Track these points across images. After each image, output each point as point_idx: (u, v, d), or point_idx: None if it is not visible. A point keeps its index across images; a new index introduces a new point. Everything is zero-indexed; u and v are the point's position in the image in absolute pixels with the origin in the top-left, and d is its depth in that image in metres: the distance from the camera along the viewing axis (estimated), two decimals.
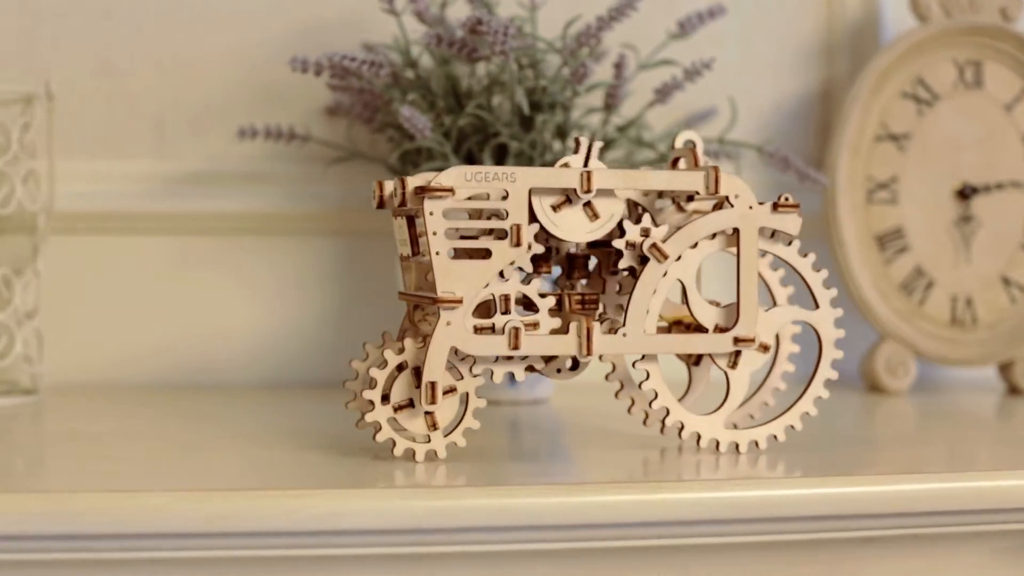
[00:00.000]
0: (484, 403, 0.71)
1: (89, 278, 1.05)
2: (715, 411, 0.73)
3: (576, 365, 0.74)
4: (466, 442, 0.71)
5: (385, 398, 0.70)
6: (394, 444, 0.70)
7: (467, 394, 0.71)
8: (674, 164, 0.73)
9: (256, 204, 1.07)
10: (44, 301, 0.99)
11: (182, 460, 0.73)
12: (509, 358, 0.71)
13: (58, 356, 1.01)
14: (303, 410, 0.93)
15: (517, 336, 0.69)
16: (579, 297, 0.72)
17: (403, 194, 0.69)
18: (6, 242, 1.00)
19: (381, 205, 0.70)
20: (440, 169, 0.92)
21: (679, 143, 0.72)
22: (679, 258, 0.71)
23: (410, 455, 0.70)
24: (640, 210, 0.72)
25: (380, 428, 0.70)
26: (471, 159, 0.95)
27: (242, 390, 1.04)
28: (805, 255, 0.73)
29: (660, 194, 0.72)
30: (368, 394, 0.69)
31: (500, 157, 0.94)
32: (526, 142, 0.93)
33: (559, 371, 0.74)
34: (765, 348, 0.73)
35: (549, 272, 0.73)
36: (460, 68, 0.95)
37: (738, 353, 0.72)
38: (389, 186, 0.70)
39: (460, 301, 0.69)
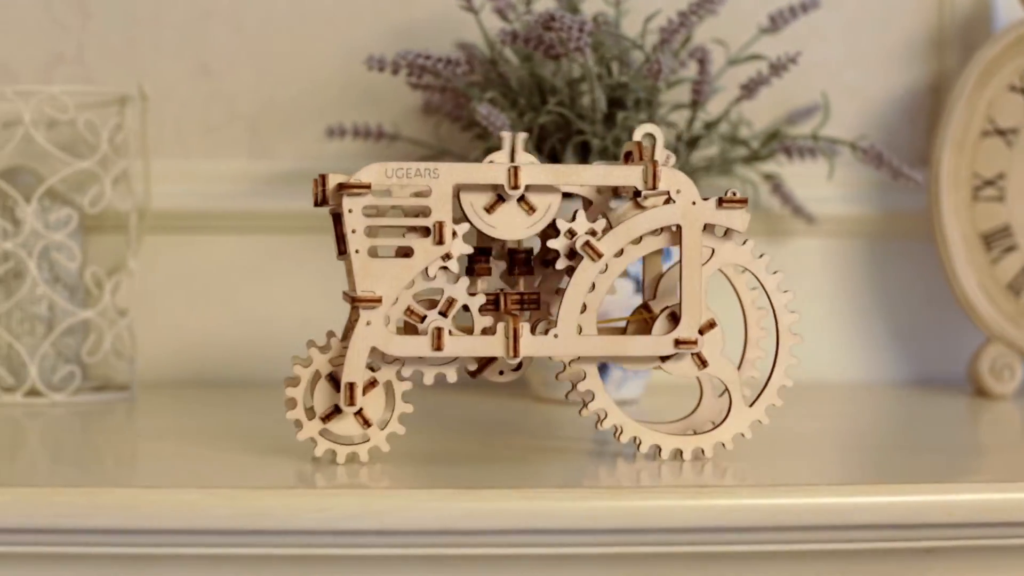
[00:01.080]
0: (409, 385, 0.69)
1: (184, 276, 1.06)
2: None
3: (520, 366, 0.71)
4: (405, 429, 0.70)
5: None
6: (334, 454, 0.69)
7: (389, 382, 0.69)
8: (627, 159, 0.70)
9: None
10: (140, 298, 1.01)
11: (262, 457, 0.73)
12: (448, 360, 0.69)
13: (152, 352, 1.02)
14: None
15: (439, 337, 0.67)
16: (517, 296, 0.70)
17: (323, 191, 0.67)
18: (100, 241, 1.02)
19: (320, 202, 0.68)
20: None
21: (638, 136, 0.69)
22: (621, 256, 0.68)
23: (354, 459, 0.69)
24: (594, 209, 0.70)
25: (316, 443, 0.69)
26: (554, 157, 0.94)
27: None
28: (760, 255, 0.70)
29: (616, 192, 0.69)
30: (291, 415, 0.68)
31: (584, 155, 0.93)
32: (609, 139, 0.91)
33: (502, 372, 0.71)
34: (703, 362, 0.70)
35: (488, 272, 0.70)
36: (546, 65, 0.94)
37: (668, 356, 0.70)
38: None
39: (379, 300, 0.67)
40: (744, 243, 0.70)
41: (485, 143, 0.95)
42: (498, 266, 0.71)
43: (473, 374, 0.70)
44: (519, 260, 0.71)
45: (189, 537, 0.63)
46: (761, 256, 0.70)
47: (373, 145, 1.03)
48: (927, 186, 1.03)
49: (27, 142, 0.94)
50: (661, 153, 0.69)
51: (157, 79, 1.06)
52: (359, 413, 0.68)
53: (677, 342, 0.69)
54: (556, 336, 0.68)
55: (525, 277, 0.71)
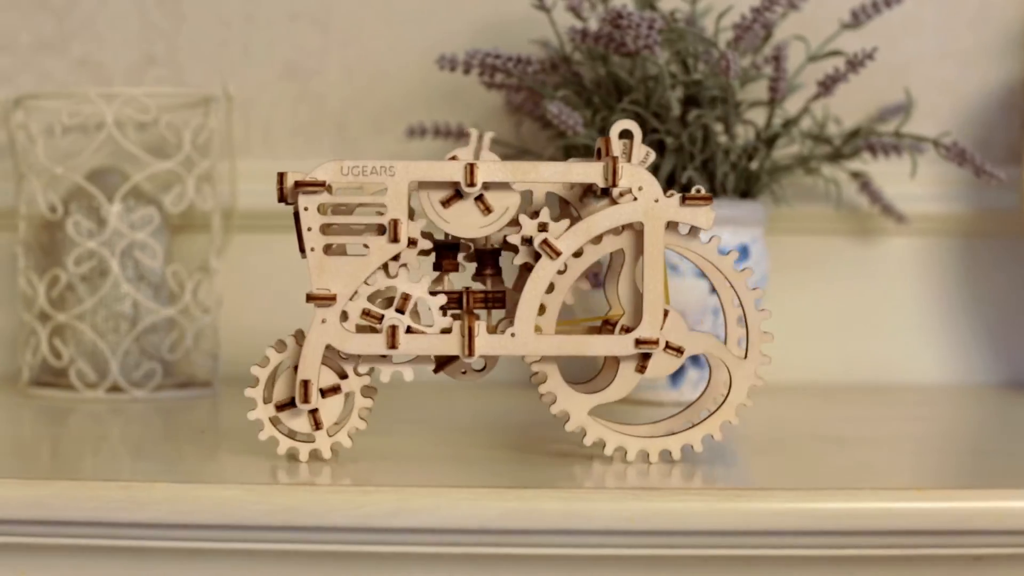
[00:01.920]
0: (371, 403, 0.69)
1: (270, 274, 1.07)
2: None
3: (485, 366, 0.70)
4: (352, 443, 0.69)
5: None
6: (277, 443, 0.69)
7: (352, 394, 0.68)
8: (598, 155, 0.68)
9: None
10: (226, 296, 1.02)
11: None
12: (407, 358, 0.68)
13: (236, 350, 1.03)
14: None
15: (394, 335, 0.66)
16: (481, 295, 0.69)
17: (281, 189, 0.67)
18: (187, 240, 1.04)
19: (281, 199, 0.68)
20: None
21: (614, 132, 0.67)
22: (581, 254, 0.67)
23: (294, 454, 0.69)
24: (569, 208, 0.69)
25: (262, 427, 0.69)
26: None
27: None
28: (727, 253, 0.69)
29: (590, 190, 0.68)
30: (249, 392, 0.68)
31: (660, 153, 0.92)
32: (685, 137, 0.90)
33: (464, 372, 0.70)
34: (678, 351, 0.68)
35: (455, 268, 0.69)
36: (621, 63, 0.93)
37: (646, 356, 0.68)
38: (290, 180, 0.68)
39: (334, 298, 0.67)
40: (709, 240, 0.68)
41: (564, 141, 0.95)
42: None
43: (436, 371, 0.70)
44: (487, 258, 0.70)
45: (227, 532, 0.63)
46: (728, 253, 0.69)
47: (454, 144, 1.03)
48: (1020, 183, 1.00)
49: (117, 143, 0.95)
50: (640, 150, 0.67)
51: (246, 80, 1.08)
52: (314, 413, 0.68)
53: (638, 342, 0.67)
54: (513, 335, 0.67)
55: (493, 276, 0.70)
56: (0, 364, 1.07)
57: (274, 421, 0.69)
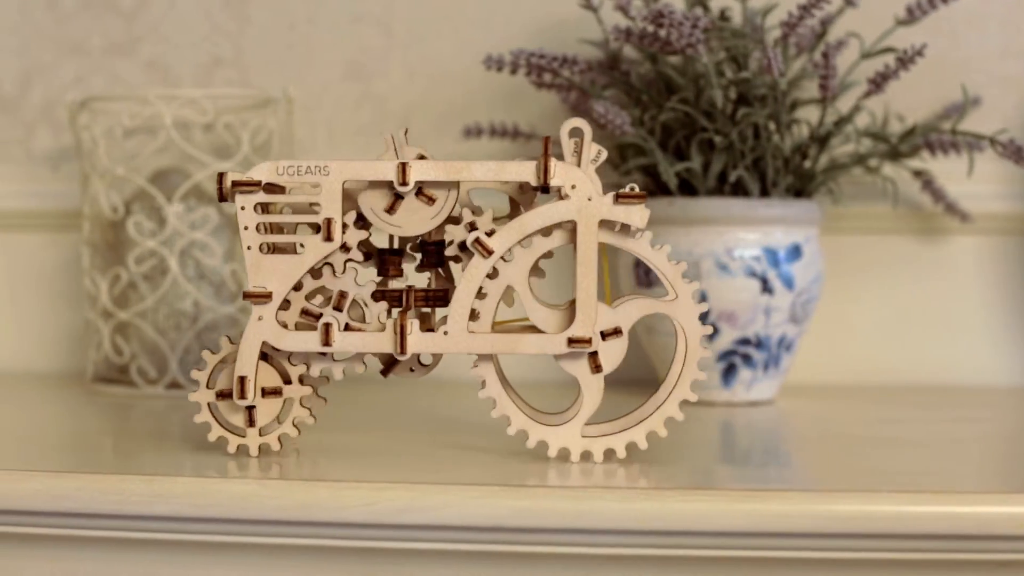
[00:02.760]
0: (308, 414, 0.70)
1: None
2: (572, 420, 0.69)
3: (424, 362, 0.71)
4: (280, 446, 0.70)
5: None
6: (210, 429, 0.70)
7: (291, 400, 0.70)
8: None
9: (495, 201, 1.07)
10: None
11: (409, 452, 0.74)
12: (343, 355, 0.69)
13: None
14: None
15: (328, 332, 0.67)
16: (423, 293, 0.69)
17: (220, 189, 0.68)
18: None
19: (221, 199, 0.68)
20: (647, 166, 0.91)
21: (564, 130, 0.67)
22: (525, 252, 0.67)
23: (223, 443, 0.70)
24: (519, 209, 0.69)
25: (200, 410, 0.70)
26: (679, 154, 0.93)
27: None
28: (660, 247, 0.68)
29: (543, 188, 0.67)
30: (195, 374, 0.70)
31: (709, 151, 0.92)
32: (734, 135, 0.90)
33: (412, 370, 0.70)
34: (616, 332, 0.68)
35: (400, 274, 0.70)
36: (670, 61, 0.93)
37: (595, 354, 0.68)
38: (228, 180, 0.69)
39: (269, 296, 0.68)
40: (639, 237, 0.68)
41: (615, 140, 0.95)
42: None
43: (384, 372, 0.70)
44: (430, 254, 0.70)
45: (244, 527, 0.64)
46: (660, 247, 0.68)
47: (517, 144, 1.04)
48: None
49: (183, 143, 0.97)
50: (591, 149, 0.67)
51: (310, 81, 1.09)
52: (250, 409, 0.69)
53: (570, 340, 0.67)
54: (446, 333, 0.67)
55: (436, 271, 0.71)
56: (67, 361, 1.09)
57: (212, 408, 0.70)
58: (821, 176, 0.93)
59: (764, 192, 0.92)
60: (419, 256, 0.70)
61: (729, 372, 0.92)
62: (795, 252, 0.91)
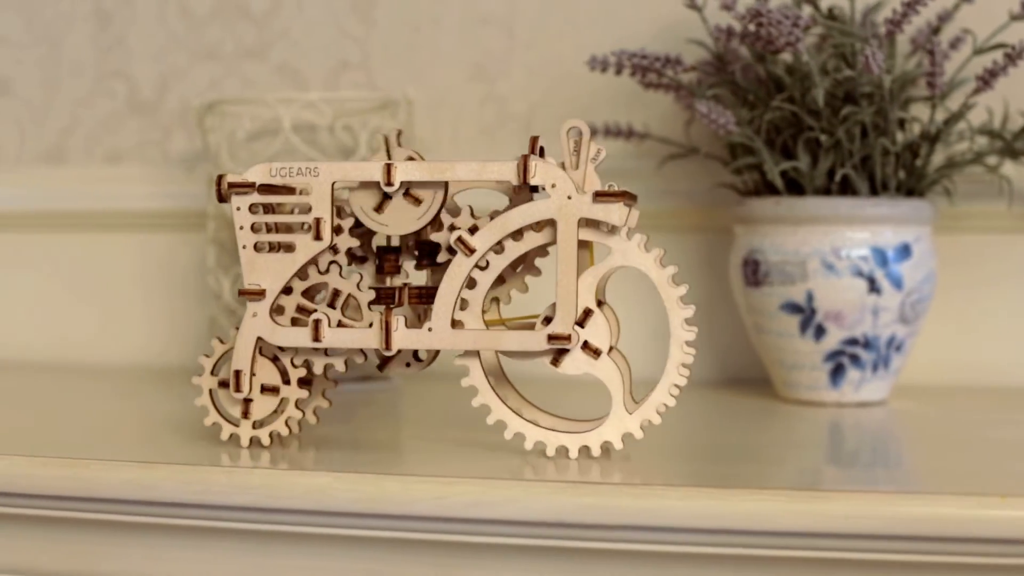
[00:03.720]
0: (301, 415, 0.72)
1: None
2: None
3: (420, 358, 0.72)
4: (270, 442, 0.72)
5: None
6: (207, 413, 0.73)
7: (285, 399, 0.72)
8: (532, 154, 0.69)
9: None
10: None
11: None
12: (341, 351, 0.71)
13: None
14: None
15: (318, 328, 0.69)
16: (417, 291, 0.70)
17: (219, 190, 0.70)
18: None
19: (220, 199, 0.71)
20: (754, 165, 0.91)
21: (563, 131, 0.67)
22: (502, 251, 0.68)
23: (217, 430, 0.73)
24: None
25: (200, 394, 0.72)
26: (787, 152, 0.92)
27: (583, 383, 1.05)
28: (649, 250, 0.68)
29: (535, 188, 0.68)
30: (202, 360, 0.72)
31: (818, 150, 0.91)
32: (841, 133, 0.89)
33: (408, 364, 0.72)
34: (595, 351, 0.68)
35: (396, 270, 0.71)
36: (778, 60, 0.92)
37: (561, 352, 0.68)
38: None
39: (262, 293, 0.70)
40: (630, 239, 0.68)
41: (725, 140, 0.95)
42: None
43: (380, 367, 0.72)
44: (424, 252, 0.71)
45: (320, 518, 0.66)
46: (650, 251, 0.68)
47: (631, 144, 1.04)
48: None
49: (302, 145, 0.99)
50: (589, 148, 0.67)
51: (434, 82, 1.11)
52: (247, 402, 0.71)
53: (550, 337, 0.68)
54: (430, 330, 0.68)
55: (431, 269, 0.72)
56: (194, 356, 1.13)
57: (213, 395, 0.73)
58: (934, 174, 0.92)
59: (874, 191, 0.91)
60: (416, 254, 0.72)
61: (837, 372, 0.91)
62: (904, 251, 0.90)
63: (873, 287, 0.89)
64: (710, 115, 0.88)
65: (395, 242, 0.72)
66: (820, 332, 0.90)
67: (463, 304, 0.69)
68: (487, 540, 0.65)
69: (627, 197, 0.67)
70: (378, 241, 0.73)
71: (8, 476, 0.70)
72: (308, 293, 0.71)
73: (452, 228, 0.69)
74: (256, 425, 0.73)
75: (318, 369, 0.71)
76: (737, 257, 0.94)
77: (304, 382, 0.72)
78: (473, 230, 0.68)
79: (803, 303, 0.90)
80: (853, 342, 0.90)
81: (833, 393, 0.92)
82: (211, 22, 1.15)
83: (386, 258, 0.72)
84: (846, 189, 0.91)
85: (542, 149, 0.69)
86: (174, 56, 1.16)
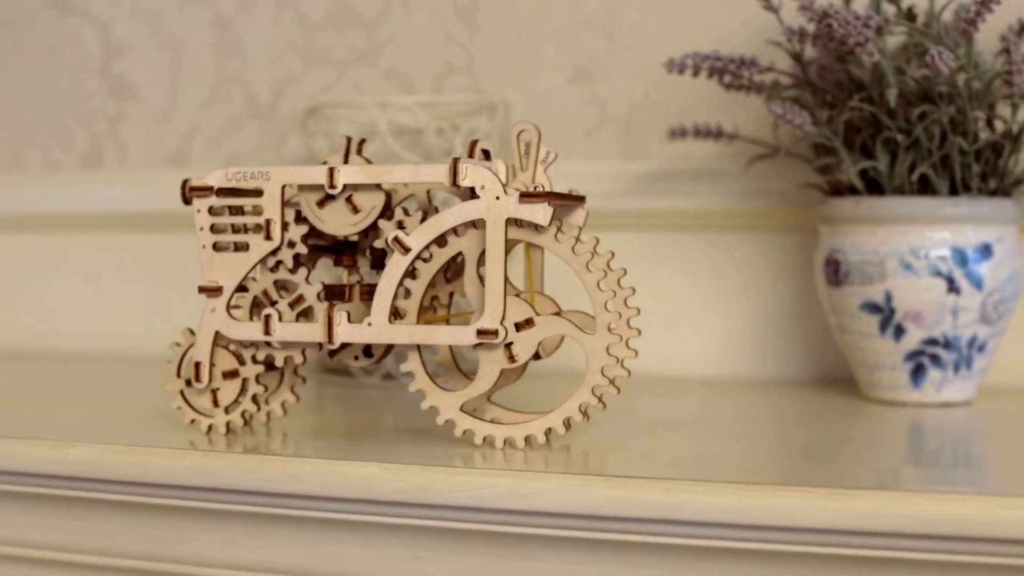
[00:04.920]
0: (263, 389, 0.76)
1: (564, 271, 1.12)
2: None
3: (370, 354, 0.75)
4: (244, 422, 0.77)
5: None
6: (185, 414, 0.77)
7: (247, 379, 0.75)
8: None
9: (712, 201, 1.09)
10: None
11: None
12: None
13: None
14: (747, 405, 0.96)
15: (268, 323, 0.73)
16: (367, 288, 0.74)
17: (183, 193, 0.75)
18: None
19: (186, 202, 0.75)
20: (829, 165, 0.92)
21: (514, 133, 0.70)
22: (445, 246, 0.71)
23: (198, 425, 0.77)
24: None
25: (174, 398, 0.77)
26: (865, 152, 0.92)
27: (683, 381, 1.07)
28: (561, 240, 0.71)
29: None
30: (165, 367, 0.77)
31: (896, 149, 0.91)
32: (919, 132, 0.89)
33: (356, 358, 0.76)
34: (512, 358, 0.71)
35: (353, 264, 0.75)
36: (857, 60, 0.93)
37: (510, 345, 0.71)
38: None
39: (220, 290, 0.74)
40: (555, 234, 0.71)
41: (807, 140, 0.95)
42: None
43: (331, 355, 0.75)
44: (377, 255, 0.75)
45: (366, 506, 0.69)
46: (576, 245, 0.71)
47: (714, 143, 1.05)
48: None
49: (397, 148, 1.02)
50: (540, 151, 0.70)
51: (536, 85, 1.13)
52: (214, 392, 0.75)
53: (479, 332, 0.70)
54: (370, 324, 0.72)
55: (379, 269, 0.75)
56: None
57: (185, 394, 0.77)
58: (1021, 174, 0.91)
59: (955, 190, 0.91)
60: (369, 255, 0.76)
61: (918, 372, 0.91)
62: (985, 251, 0.89)
63: (952, 287, 0.89)
64: (785, 115, 0.89)
65: (354, 239, 0.76)
66: (899, 332, 0.90)
67: (405, 299, 0.72)
68: (523, 531, 0.67)
69: (554, 197, 0.71)
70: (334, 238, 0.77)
71: (85, 463, 0.74)
72: (279, 289, 0.75)
73: (400, 226, 0.73)
74: (227, 411, 0.77)
75: (279, 361, 0.75)
76: (820, 257, 0.95)
77: (261, 364, 0.77)
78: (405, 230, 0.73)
79: (882, 303, 0.90)
80: (933, 342, 0.90)
81: (915, 393, 0.92)
82: (324, 28, 1.18)
83: (342, 256, 0.76)
84: (928, 189, 0.91)
85: (486, 152, 0.73)
86: (289, 62, 1.20)
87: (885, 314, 0.90)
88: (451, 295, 0.76)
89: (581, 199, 0.74)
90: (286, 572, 0.73)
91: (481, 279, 0.72)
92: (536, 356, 0.73)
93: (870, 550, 0.62)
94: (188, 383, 0.77)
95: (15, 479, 0.76)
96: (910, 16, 0.92)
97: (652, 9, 1.11)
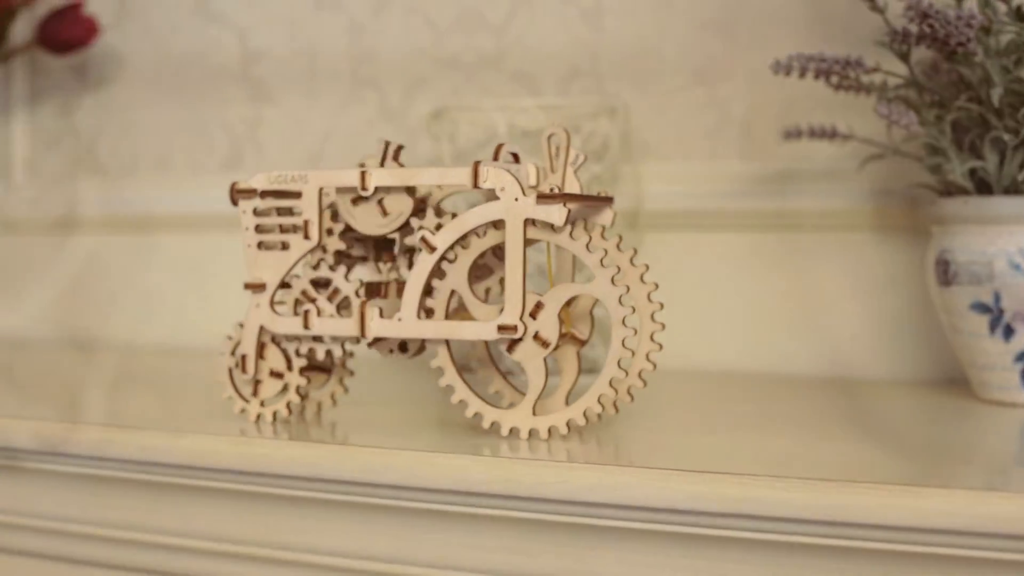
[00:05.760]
0: (306, 379, 0.80)
1: (684, 271, 1.14)
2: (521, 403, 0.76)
3: (406, 348, 0.78)
4: (289, 412, 0.81)
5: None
6: (235, 403, 0.82)
7: (288, 385, 0.79)
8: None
9: (830, 201, 1.09)
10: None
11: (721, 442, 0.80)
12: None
13: None
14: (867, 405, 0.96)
15: (307, 318, 0.77)
16: (402, 285, 0.76)
17: (232, 195, 0.79)
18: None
19: (234, 203, 0.79)
20: (939, 165, 0.92)
21: (545, 136, 0.72)
22: (467, 246, 0.74)
23: (246, 414, 0.82)
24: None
25: (226, 388, 0.81)
26: (975, 151, 0.92)
27: (803, 380, 1.08)
28: (575, 238, 0.73)
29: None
30: (224, 344, 0.81)
31: (1004, 148, 0.91)
32: None
33: (392, 351, 0.78)
34: (545, 344, 0.72)
35: (391, 261, 0.78)
36: (967, 60, 0.92)
37: (515, 341, 0.73)
38: None
39: (263, 286, 0.78)
40: (570, 232, 0.73)
41: (919, 140, 0.95)
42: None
43: (370, 345, 0.78)
44: (412, 253, 0.78)
45: (460, 497, 0.72)
46: (590, 242, 0.73)
47: (828, 144, 1.05)
48: None
49: (529, 151, 1.04)
50: (569, 154, 0.73)
51: (658, 87, 1.14)
52: (257, 383, 0.79)
53: (500, 327, 0.73)
54: (400, 320, 0.75)
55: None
56: None
57: (232, 373, 0.81)
58: None
59: None
60: (407, 254, 0.80)
61: None
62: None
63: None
64: (891, 115, 0.89)
65: (393, 237, 0.80)
66: (1009, 332, 0.90)
67: (432, 296, 0.75)
68: (608, 523, 0.69)
69: (574, 199, 0.73)
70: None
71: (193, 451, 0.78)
72: (320, 286, 0.79)
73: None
74: (263, 404, 0.81)
75: (320, 355, 0.79)
76: (931, 257, 0.95)
77: (308, 369, 0.81)
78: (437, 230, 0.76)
79: (991, 303, 0.90)
80: None
81: None
82: (453, 32, 1.21)
83: (381, 254, 0.80)
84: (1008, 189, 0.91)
85: (515, 155, 0.76)
86: (419, 65, 1.23)
87: (994, 314, 0.90)
88: (487, 291, 0.79)
89: (608, 200, 0.76)
90: (375, 559, 0.76)
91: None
92: (578, 340, 0.76)
93: (975, 551, 0.63)
94: (236, 365, 0.82)
95: (129, 467, 0.81)
96: (1020, 15, 0.91)
97: (771, 10, 1.11)
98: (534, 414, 0.76)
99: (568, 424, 0.76)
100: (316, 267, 0.79)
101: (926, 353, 1.07)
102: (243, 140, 1.31)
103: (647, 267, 0.75)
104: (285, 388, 0.81)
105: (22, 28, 1.37)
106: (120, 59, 1.37)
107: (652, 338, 0.75)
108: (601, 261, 0.73)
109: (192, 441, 0.78)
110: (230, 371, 0.82)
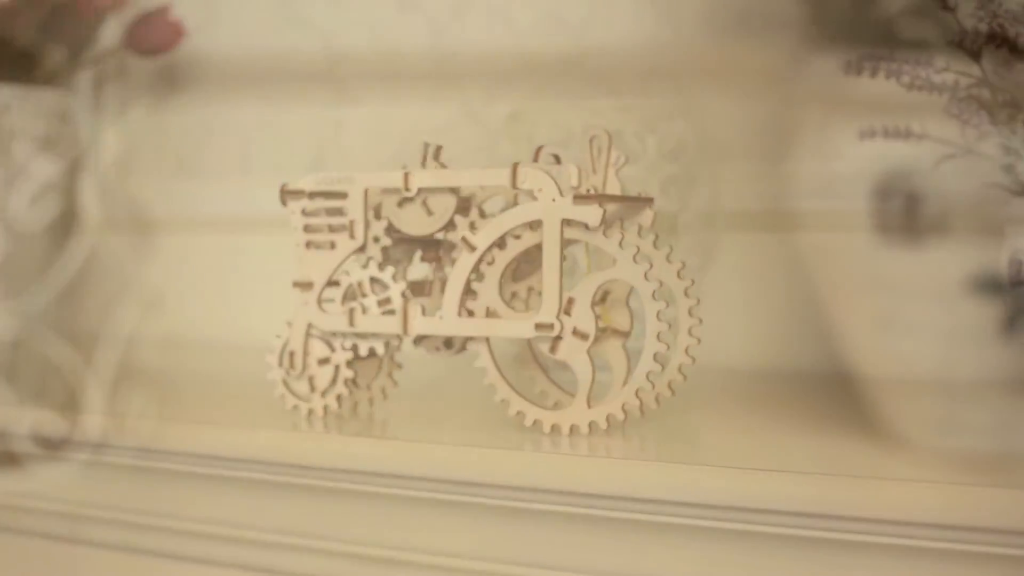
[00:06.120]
0: (352, 373, 0.82)
1: (760, 272, 1.15)
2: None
3: (450, 344, 0.80)
4: (338, 405, 0.83)
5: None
6: (287, 400, 0.83)
7: (338, 365, 0.81)
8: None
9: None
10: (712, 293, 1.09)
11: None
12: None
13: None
14: None
15: (352, 315, 0.78)
16: (444, 283, 0.77)
17: (282, 196, 0.81)
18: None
19: (284, 204, 0.82)
20: (1012, 165, 0.91)
21: (587, 139, 0.74)
22: (504, 247, 0.76)
23: (297, 410, 0.84)
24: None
25: (277, 385, 0.82)
26: None
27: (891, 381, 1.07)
28: (609, 236, 0.75)
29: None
30: (268, 358, 0.83)
31: None
32: None
33: (438, 349, 0.82)
34: (584, 336, 0.74)
35: (436, 260, 0.80)
36: None
37: (557, 340, 0.75)
38: None
39: (311, 285, 0.80)
40: (603, 231, 0.75)
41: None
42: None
43: (415, 342, 0.80)
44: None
45: (524, 494, 0.74)
46: (623, 240, 0.75)
47: (908, 144, 1.05)
48: None
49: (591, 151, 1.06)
50: (611, 155, 0.74)
51: (736, 89, 1.15)
52: (311, 378, 0.81)
53: (537, 325, 0.75)
54: (441, 318, 0.77)
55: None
56: None
57: (286, 382, 0.83)
58: None
59: None
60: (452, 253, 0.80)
61: None
62: None
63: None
64: (961, 115, 0.89)
65: (439, 236, 0.81)
66: None
67: (473, 295, 0.77)
68: (669, 520, 0.70)
69: (611, 199, 0.75)
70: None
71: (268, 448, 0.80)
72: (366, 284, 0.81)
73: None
74: (322, 395, 0.83)
75: (363, 351, 0.81)
76: (1005, 257, 0.94)
77: (354, 363, 0.83)
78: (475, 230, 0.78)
79: None
80: None
81: None
82: (530, 35, 1.22)
83: (427, 253, 0.82)
84: None
85: (556, 156, 0.78)
86: (500, 67, 1.24)
87: None
88: (529, 291, 0.81)
89: (648, 200, 0.78)
90: (449, 555, 0.77)
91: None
92: (621, 333, 0.78)
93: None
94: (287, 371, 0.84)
95: (209, 462, 0.83)
96: None
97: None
98: (588, 407, 0.77)
99: (624, 409, 0.77)
100: (365, 266, 0.81)
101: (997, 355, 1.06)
102: (326, 141, 1.33)
103: (683, 264, 0.77)
104: (333, 382, 0.83)
105: (111, 31, 1.40)
106: (206, 62, 1.40)
107: (690, 332, 0.76)
108: (634, 258, 0.75)
109: (258, 436, 0.80)
110: (283, 381, 0.84)
